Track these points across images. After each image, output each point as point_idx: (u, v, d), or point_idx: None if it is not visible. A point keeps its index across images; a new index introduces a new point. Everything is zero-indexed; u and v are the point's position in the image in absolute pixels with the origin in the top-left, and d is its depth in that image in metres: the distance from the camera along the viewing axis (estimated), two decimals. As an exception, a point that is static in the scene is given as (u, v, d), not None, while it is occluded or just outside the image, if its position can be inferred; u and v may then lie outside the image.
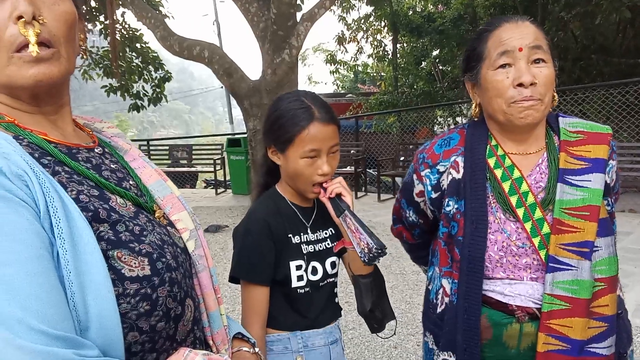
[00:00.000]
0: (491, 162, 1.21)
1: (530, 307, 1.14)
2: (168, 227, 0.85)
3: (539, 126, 1.19)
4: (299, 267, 1.34)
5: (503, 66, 1.13)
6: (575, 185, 1.11)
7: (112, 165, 0.86)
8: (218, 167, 9.76)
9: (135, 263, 0.71)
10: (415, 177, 1.35)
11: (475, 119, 1.29)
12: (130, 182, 0.86)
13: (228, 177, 9.88)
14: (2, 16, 0.70)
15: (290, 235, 1.35)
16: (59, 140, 0.79)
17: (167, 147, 10.99)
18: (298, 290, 1.34)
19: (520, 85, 1.10)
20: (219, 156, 10.03)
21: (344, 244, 1.37)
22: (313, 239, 1.39)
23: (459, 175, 1.23)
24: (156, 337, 0.73)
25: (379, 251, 1.18)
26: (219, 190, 9.86)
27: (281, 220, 1.35)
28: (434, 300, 1.31)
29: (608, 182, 1.14)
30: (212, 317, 0.90)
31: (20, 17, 0.70)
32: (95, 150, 0.86)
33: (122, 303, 0.68)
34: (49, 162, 0.73)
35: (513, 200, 1.16)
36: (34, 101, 0.77)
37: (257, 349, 1.01)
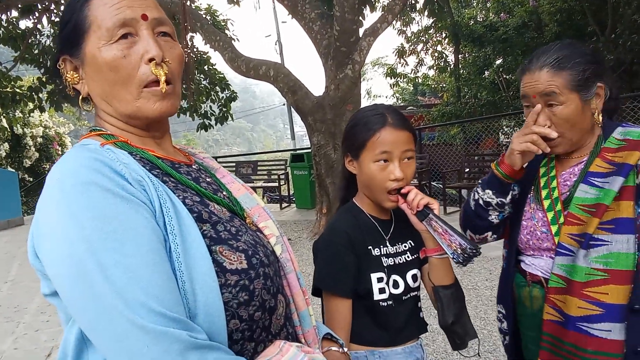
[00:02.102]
0: (544, 161, 1.43)
1: (538, 276, 1.37)
2: (258, 232, 0.94)
3: (587, 137, 1.35)
4: (380, 280, 1.33)
5: (527, 106, 1.36)
6: (596, 186, 1.26)
7: (207, 179, 0.96)
8: (282, 182, 9.96)
9: (234, 257, 0.79)
10: None
11: None
12: (223, 194, 0.96)
13: (292, 192, 10.05)
14: (135, 58, 0.82)
15: (370, 247, 1.35)
16: (164, 156, 0.90)
17: (233, 164, 11.35)
18: (380, 303, 1.32)
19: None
20: (283, 171, 10.23)
21: (426, 252, 1.34)
22: (392, 252, 1.38)
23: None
24: (254, 326, 0.80)
25: (474, 250, 1.16)
26: (283, 205, 10.04)
27: (360, 233, 1.35)
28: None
29: None
30: (302, 316, 0.96)
31: (152, 59, 0.81)
32: (193, 166, 0.97)
33: (224, 292, 0.75)
34: (157, 174, 0.83)
35: (543, 193, 1.39)
36: (146, 127, 0.89)
37: (345, 349, 1.05)
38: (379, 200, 1.34)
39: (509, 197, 1.42)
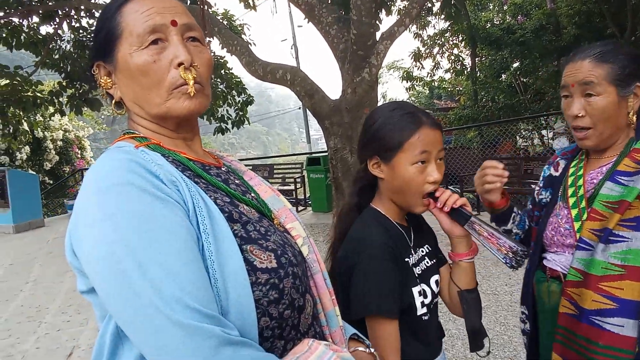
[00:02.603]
0: (574, 162, 1.48)
1: (557, 271, 1.40)
2: (285, 233, 0.96)
3: (618, 136, 1.37)
4: (420, 293, 1.24)
5: (565, 97, 1.40)
6: (621, 184, 1.28)
7: (236, 181, 0.98)
8: (298, 186, 9.97)
9: (264, 257, 0.81)
10: None
11: None
12: (252, 195, 0.98)
13: (308, 195, 10.05)
14: (165, 62, 0.85)
15: (406, 259, 1.26)
16: (195, 158, 0.93)
17: (250, 167, 11.40)
18: (423, 317, 1.24)
19: (571, 115, 1.37)
20: (299, 175, 10.25)
21: (457, 256, 1.29)
22: (417, 260, 1.30)
23: (556, 174, 1.54)
24: (284, 324, 0.81)
25: (525, 252, 1.14)
26: (299, 208, 10.06)
27: (395, 243, 1.24)
28: None
29: None
30: (329, 316, 0.97)
31: (181, 64, 0.85)
32: (222, 168, 0.99)
33: (255, 290, 0.77)
34: (189, 175, 0.86)
35: (570, 191, 1.42)
36: (177, 128, 0.92)
37: (372, 349, 1.05)
38: (412, 204, 1.25)
39: (510, 223, 1.54)
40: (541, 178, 1.62)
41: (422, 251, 1.35)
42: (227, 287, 0.74)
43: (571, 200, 1.40)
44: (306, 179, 9.86)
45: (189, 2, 8.52)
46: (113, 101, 0.93)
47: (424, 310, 1.25)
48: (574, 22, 12.26)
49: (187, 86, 0.85)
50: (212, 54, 10.25)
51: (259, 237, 0.84)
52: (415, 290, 1.24)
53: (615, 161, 1.35)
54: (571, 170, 1.47)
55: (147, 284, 0.68)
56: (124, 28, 0.86)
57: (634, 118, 1.34)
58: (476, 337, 1.31)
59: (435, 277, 1.34)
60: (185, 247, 0.72)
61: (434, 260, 1.37)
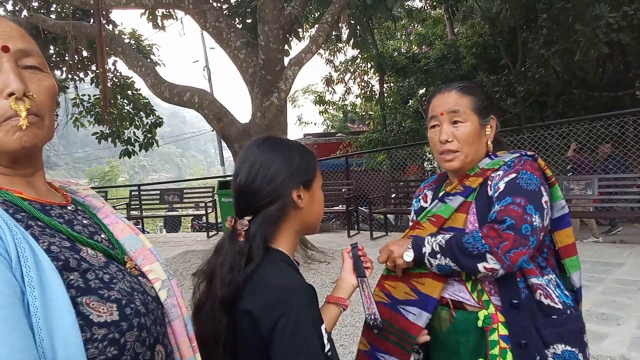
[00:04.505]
0: (441, 193, 1.60)
1: (445, 298, 1.47)
2: (139, 278, 0.88)
3: (476, 162, 1.52)
4: (326, 330, 1.15)
5: (433, 126, 1.54)
6: (445, 203, 1.50)
7: (84, 221, 0.90)
8: (209, 210, 9.73)
9: (103, 309, 0.74)
10: None
11: None
12: (102, 236, 0.90)
13: (219, 220, 9.83)
14: None
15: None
16: (34, 197, 0.84)
17: (158, 192, 10.97)
18: (328, 354, 1.15)
19: (441, 141, 1.50)
20: (210, 199, 10.01)
21: (337, 299, 1.35)
22: None
23: (426, 205, 1.64)
24: None
25: (381, 322, 1.36)
26: (210, 233, 9.80)
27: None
28: None
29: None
30: None
31: (11, 94, 0.77)
32: (68, 207, 0.91)
33: (90, 348, 0.70)
34: (22, 218, 0.78)
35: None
36: (12, 164, 0.83)
37: None
38: (316, 227, 1.30)
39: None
40: (413, 211, 1.73)
41: None
42: (55, 347, 0.66)
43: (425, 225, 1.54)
44: (217, 203, 9.65)
45: (92, 21, 8.15)
46: None
47: (329, 345, 1.16)
48: (472, 53, 13.28)
49: (19, 118, 0.78)
50: (119, 73, 9.85)
51: (100, 287, 0.77)
52: (323, 327, 1.15)
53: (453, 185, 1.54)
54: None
55: None
56: None
57: (491, 146, 1.54)
58: None
59: None
60: (2, 304, 0.64)
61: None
